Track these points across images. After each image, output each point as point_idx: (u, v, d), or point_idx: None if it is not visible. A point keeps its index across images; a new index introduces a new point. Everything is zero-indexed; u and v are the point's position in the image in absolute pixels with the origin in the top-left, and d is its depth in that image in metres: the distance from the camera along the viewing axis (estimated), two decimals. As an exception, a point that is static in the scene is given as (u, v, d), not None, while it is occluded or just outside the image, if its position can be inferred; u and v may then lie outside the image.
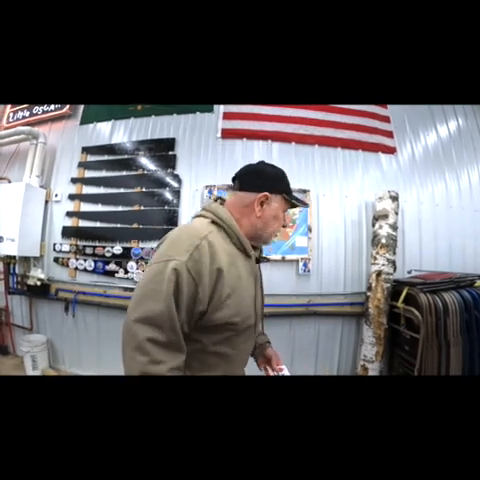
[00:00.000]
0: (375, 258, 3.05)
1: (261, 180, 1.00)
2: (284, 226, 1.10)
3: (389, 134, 3.65)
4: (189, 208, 3.06)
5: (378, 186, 3.37)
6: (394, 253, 3.03)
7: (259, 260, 1.05)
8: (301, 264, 3.04)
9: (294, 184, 3.05)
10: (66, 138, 3.68)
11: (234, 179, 1.04)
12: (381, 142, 3.60)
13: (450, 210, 3.47)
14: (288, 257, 3.06)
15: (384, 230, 3.06)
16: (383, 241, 3.03)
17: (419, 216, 3.40)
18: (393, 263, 3.05)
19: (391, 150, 3.60)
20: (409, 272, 3.21)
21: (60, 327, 3.36)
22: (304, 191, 3.16)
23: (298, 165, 3.24)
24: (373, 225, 3.15)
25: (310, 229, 3.08)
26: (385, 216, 3.15)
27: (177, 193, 3.11)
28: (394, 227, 3.12)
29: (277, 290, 3.03)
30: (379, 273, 3.00)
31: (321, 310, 3.04)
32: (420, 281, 2.71)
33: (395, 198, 3.17)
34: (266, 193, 0.98)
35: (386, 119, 3.69)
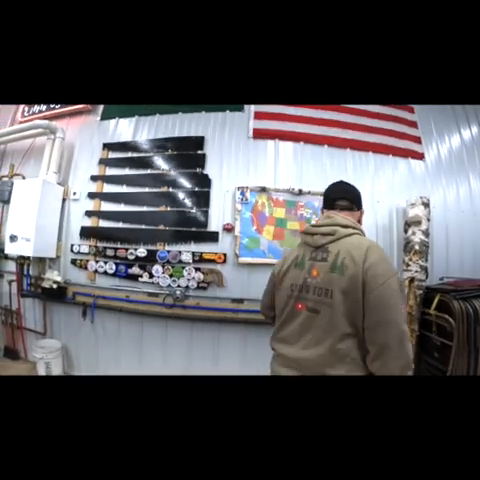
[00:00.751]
0: (408, 265, 2.75)
1: (360, 199, 1.18)
2: None
3: (417, 139, 3.37)
4: (219, 210, 2.71)
5: (408, 191, 3.07)
6: (426, 260, 2.74)
7: None
8: None
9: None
10: (85, 134, 3.28)
11: (343, 198, 1.12)
12: (410, 147, 3.31)
13: (474, 217, 3.19)
14: None
15: (417, 236, 2.77)
16: (416, 247, 2.74)
17: (446, 222, 3.12)
18: (425, 270, 2.76)
19: (419, 156, 3.31)
20: (441, 279, 2.92)
21: (77, 333, 2.96)
22: None
23: (331, 168, 2.92)
24: (405, 231, 2.86)
25: None
26: (418, 222, 2.86)
27: (206, 194, 2.75)
28: (426, 233, 2.84)
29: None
30: (412, 280, 2.71)
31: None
32: (452, 288, 2.47)
33: (427, 204, 2.89)
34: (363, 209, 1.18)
35: (413, 124, 3.41)
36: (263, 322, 2.63)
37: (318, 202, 2.77)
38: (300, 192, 2.72)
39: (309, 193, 2.75)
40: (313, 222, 2.66)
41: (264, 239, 2.63)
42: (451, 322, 2.18)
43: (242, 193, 2.67)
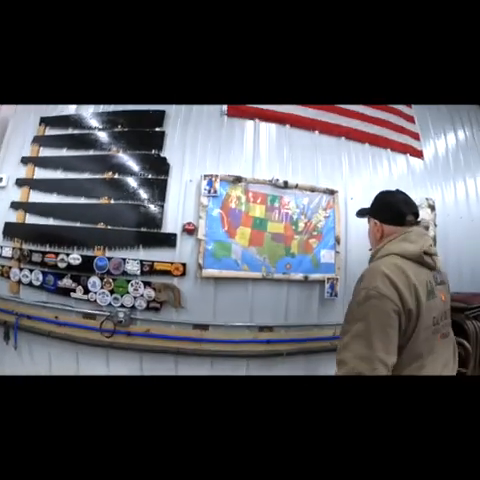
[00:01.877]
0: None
1: None
2: None
3: (416, 136, 2.65)
4: (179, 205, 1.83)
5: (407, 192, 2.28)
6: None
7: None
8: (327, 286, 1.88)
9: (319, 181, 2.02)
10: (22, 107, 2.32)
11: (415, 213, 0.94)
12: (409, 143, 2.57)
13: (472, 223, 2.58)
14: (312, 277, 1.88)
15: (424, 245, 1.96)
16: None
17: (446, 229, 2.40)
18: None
19: (418, 153, 2.58)
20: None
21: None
22: (332, 192, 2.01)
23: (323, 159, 2.10)
24: None
25: (338, 241, 1.93)
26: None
27: (163, 183, 1.86)
28: (434, 241, 2.07)
29: (296, 319, 1.86)
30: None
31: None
32: (464, 306, 1.89)
33: (433, 207, 2.15)
34: None
35: (411, 119, 2.68)
36: (234, 355, 1.79)
37: (308, 199, 1.93)
38: (286, 185, 1.87)
39: (297, 187, 1.91)
40: (301, 224, 1.82)
41: (237, 245, 1.76)
42: (467, 347, 1.63)
43: (210, 183, 1.80)
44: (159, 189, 1.87)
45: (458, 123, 3.00)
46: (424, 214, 2.12)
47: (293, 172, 1.95)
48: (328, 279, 1.87)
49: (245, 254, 1.77)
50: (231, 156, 1.90)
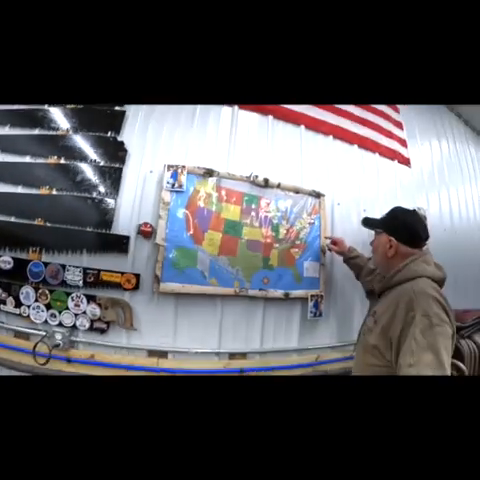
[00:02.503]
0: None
1: None
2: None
3: (403, 143, 2.39)
4: (135, 200, 1.40)
5: (394, 201, 2.02)
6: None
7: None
8: (310, 304, 1.51)
9: (304, 182, 1.72)
10: None
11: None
12: (398, 150, 2.29)
13: (455, 235, 2.42)
14: (293, 293, 1.50)
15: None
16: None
17: (431, 240, 2.09)
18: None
19: (405, 161, 2.32)
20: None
21: None
22: (318, 195, 1.65)
23: (309, 157, 1.74)
24: None
25: (323, 251, 1.56)
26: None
27: (117, 172, 1.42)
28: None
29: (274, 344, 1.46)
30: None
31: (334, 368, 1.54)
32: (458, 324, 1.62)
33: (425, 218, 1.86)
34: None
35: (399, 125, 2.42)
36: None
37: (291, 201, 1.56)
38: (266, 183, 1.49)
39: (279, 187, 1.54)
40: (282, 230, 1.43)
41: (204, 253, 1.36)
42: (462, 369, 1.41)
43: (174, 176, 1.38)
44: (112, 179, 1.43)
45: (442, 136, 2.79)
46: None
47: (275, 169, 1.57)
48: (312, 296, 1.50)
49: (214, 265, 1.37)
50: (203, 145, 1.49)
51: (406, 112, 2.45)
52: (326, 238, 1.56)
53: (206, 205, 1.45)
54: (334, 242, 1.48)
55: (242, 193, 1.50)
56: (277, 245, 1.50)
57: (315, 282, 1.58)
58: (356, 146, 2.02)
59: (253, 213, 1.49)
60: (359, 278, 1.39)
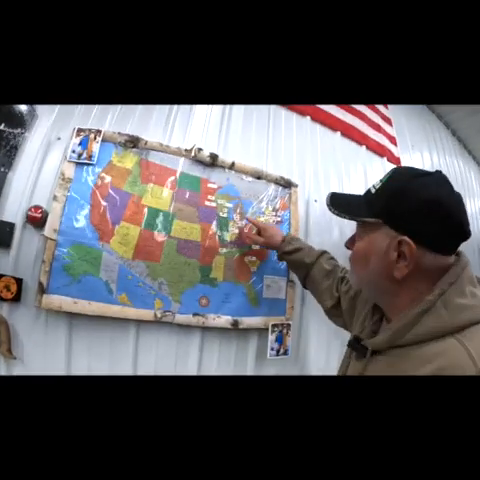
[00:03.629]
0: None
1: None
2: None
3: (393, 140, 1.95)
4: (31, 176, 0.83)
5: None
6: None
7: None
8: (271, 337, 0.95)
9: (268, 166, 1.20)
10: None
11: None
12: (387, 146, 1.84)
13: None
14: (246, 322, 0.94)
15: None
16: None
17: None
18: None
19: (396, 160, 1.87)
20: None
21: None
22: (288, 184, 1.13)
23: (277, 137, 1.23)
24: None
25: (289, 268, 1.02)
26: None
27: (17, 139, 0.85)
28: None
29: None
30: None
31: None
32: None
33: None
34: None
35: (388, 120, 1.98)
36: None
37: (249, 189, 1.03)
38: (214, 161, 0.97)
39: (233, 168, 0.99)
40: (233, 228, 0.89)
41: (113, 255, 0.82)
42: None
43: (84, 142, 0.86)
44: (8, 148, 0.85)
45: (433, 146, 2.40)
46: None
47: (230, 144, 1.04)
48: (274, 326, 0.95)
49: (126, 273, 0.83)
50: (130, 108, 0.95)
51: (395, 115, 2.04)
52: (235, 221, 0.99)
53: (122, 186, 0.90)
54: (259, 230, 0.91)
55: (177, 172, 0.96)
56: (224, 250, 0.96)
57: (279, 306, 1.04)
58: (339, 134, 1.54)
59: (191, 201, 0.95)
60: (305, 284, 0.88)
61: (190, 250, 0.93)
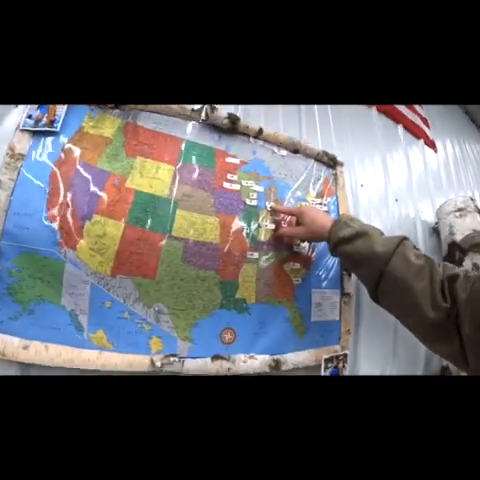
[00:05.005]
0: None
1: None
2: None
3: (426, 122, 1.58)
4: None
5: (428, 191, 1.23)
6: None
7: None
8: (325, 373, 0.56)
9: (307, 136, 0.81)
10: None
11: None
12: (422, 127, 1.47)
13: None
14: (291, 360, 0.54)
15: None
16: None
17: None
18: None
19: (432, 144, 1.50)
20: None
21: None
22: (332, 162, 0.74)
23: (311, 110, 0.84)
24: (454, 260, 0.93)
25: (346, 268, 0.63)
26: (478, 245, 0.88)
27: None
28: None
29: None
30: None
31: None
32: None
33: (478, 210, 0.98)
34: None
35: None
36: None
37: (283, 167, 0.63)
38: (234, 125, 0.56)
39: (260, 136, 0.61)
40: (266, 222, 0.47)
41: (81, 267, 0.50)
42: None
43: (43, 106, 0.44)
44: None
45: (458, 133, 2.05)
46: (475, 222, 0.95)
47: (256, 109, 0.66)
48: (327, 362, 0.55)
49: (102, 298, 0.47)
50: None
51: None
52: (269, 212, 0.63)
53: (97, 161, 0.53)
54: (291, 220, 0.62)
55: (181, 140, 0.58)
56: (255, 254, 0.58)
57: (332, 330, 0.66)
58: (375, 109, 1.17)
59: (202, 183, 0.57)
60: (377, 293, 0.51)
61: (203, 257, 0.56)
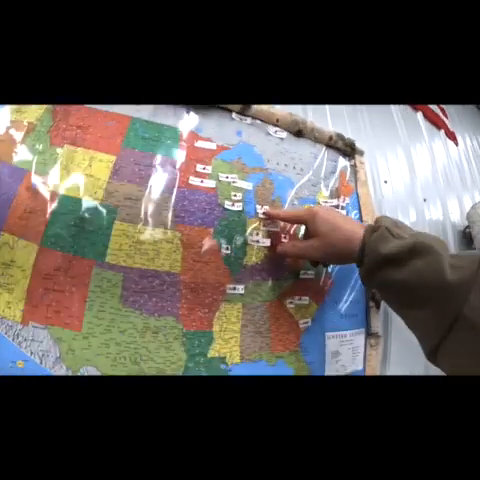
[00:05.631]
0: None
1: None
2: None
3: (445, 112, 1.33)
4: None
5: (456, 190, 1.00)
6: None
7: None
8: None
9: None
10: None
11: None
12: (442, 117, 1.23)
13: None
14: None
15: None
16: None
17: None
18: None
19: (453, 136, 1.25)
20: None
21: None
22: (352, 149, 0.50)
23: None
24: None
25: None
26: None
27: None
28: None
29: None
30: None
31: None
32: None
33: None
34: None
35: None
36: None
37: (285, 167, 0.40)
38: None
39: (247, 111, 0.37)
40: (257, 236, 0.21)
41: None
42: None
43: None
44: None
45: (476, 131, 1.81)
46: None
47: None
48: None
49: (11, 354, 0.23)
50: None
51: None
52: (261, 220, 0.40)
53: (10, 156, 0.30)
54: (295, 231, 0.40)
55: (127, 118, 0.36)
56: (239, 287, 0.35)
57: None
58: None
59: (159, 177, 0.34)
60: (437, 349, 0.28)
61: (155, 297, 0.33)
